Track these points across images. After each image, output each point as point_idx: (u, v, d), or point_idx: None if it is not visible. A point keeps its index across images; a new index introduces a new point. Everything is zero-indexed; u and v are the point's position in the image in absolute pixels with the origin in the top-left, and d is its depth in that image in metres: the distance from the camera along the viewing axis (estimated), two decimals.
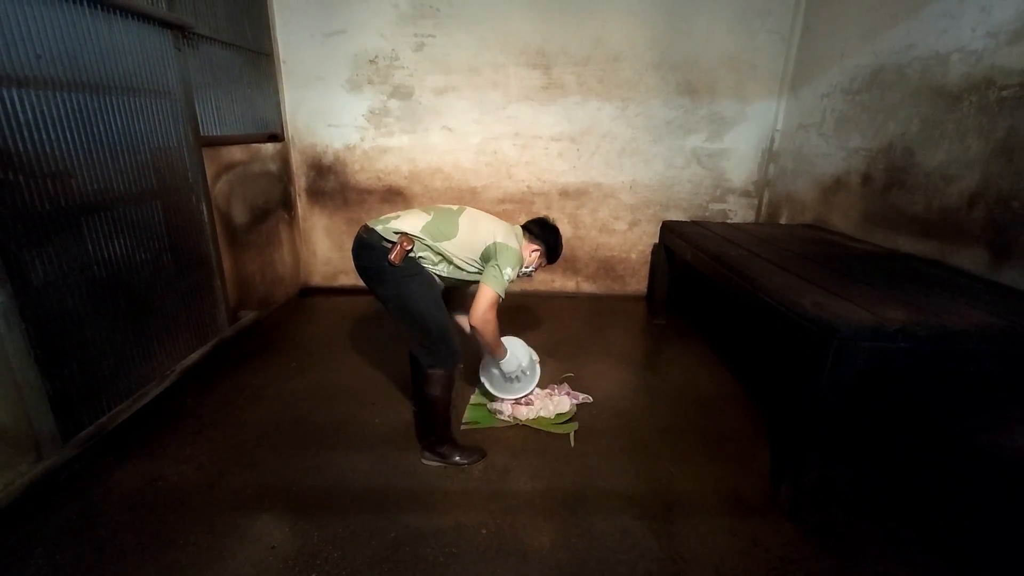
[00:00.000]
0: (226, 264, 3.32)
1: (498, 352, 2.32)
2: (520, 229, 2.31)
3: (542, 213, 4.36)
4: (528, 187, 4.33)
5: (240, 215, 3.54)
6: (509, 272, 2.06)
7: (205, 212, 3.07)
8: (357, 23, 3.91)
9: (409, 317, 2.08)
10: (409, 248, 2.04)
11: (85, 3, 2.24)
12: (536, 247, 2.29)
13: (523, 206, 4.37)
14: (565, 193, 4.34)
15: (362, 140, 4.23)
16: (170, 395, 2.66)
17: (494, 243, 2.10)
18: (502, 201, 4.35)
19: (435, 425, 2.24)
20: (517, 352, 2.48)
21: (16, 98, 1.93)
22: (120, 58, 2.44)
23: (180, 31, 2.82)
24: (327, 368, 3.13)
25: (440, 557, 1.76)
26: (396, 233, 2.07)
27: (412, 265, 2.07)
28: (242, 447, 2.35)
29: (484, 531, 1.89)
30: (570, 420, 2.58)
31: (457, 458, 2.25)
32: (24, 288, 1.96)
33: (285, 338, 3.57)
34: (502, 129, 4.18)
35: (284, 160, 4.17)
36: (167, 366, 2.74)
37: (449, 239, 2.10)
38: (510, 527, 1.91)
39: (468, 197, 4.33)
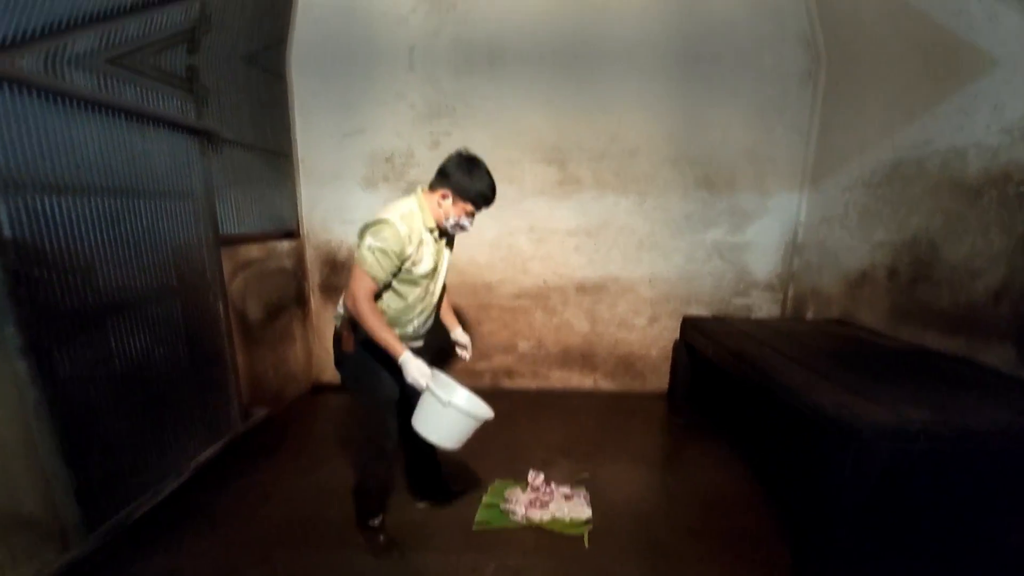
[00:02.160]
0: (240, 360, 3.31)
1: (380, 337, 1.90)
2: (421, 188, 2.05)
3: (559, 309, 4.29)
4: (544, 281, 4.28)
5: (255, 312, 3.54)
6: (370, 241, 1.86)
7: (221, 309, 3.10)
8: (375, 123, 4.04)
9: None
10: (352, 330, 2.02)
11: (123, 115, 2.37)
12: (443, 191, 1.96)
13: (539, 301, 4.30)
14: (582, 288, 4.27)
15: None
16: (185, 490, 2.69)
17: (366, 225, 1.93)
18: (518, 296, 4.29)
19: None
20: (456, 390, 2.20)
21: (55, 203, 2.04)
22: (149, 163, 2.55)
23: (206, 137, 2.96)
24: (337, 466, 3.06)
25: None
26: (336, 317, 2.10)
27: (366, 349, 2.03)
28: (255, 543, 2.36)
29: None
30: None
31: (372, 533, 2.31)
32: (52, 383, 2.01)
33: (296, 435, 3.50)
34: (517, 223, 4.19)
35: (299, 257, 4.20)
36: (182, 462, 2.74)
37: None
38: None
39: (483, 292, 4.28)
